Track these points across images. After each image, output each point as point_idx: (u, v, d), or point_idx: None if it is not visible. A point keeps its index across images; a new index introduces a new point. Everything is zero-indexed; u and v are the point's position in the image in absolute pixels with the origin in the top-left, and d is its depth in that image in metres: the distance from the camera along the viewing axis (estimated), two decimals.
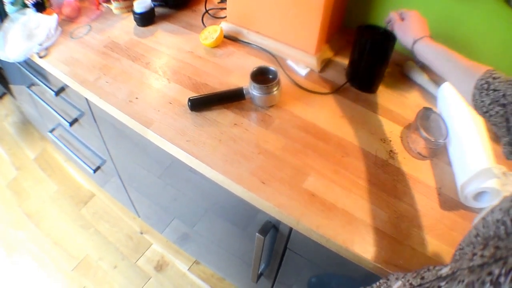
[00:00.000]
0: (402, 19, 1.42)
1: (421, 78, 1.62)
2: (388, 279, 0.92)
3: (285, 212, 1.21)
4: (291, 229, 1.37)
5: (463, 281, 0.57)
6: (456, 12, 1.52)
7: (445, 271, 0.66)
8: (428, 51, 1.27)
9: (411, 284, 0.76)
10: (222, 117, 1.47)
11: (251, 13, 1.71)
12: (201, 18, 1.96)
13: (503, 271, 0.50)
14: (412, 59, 1.69)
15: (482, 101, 1.02)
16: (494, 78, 1.00)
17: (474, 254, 0.60)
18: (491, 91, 0.99)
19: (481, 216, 0.77)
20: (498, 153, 1.17)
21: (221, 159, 1.34)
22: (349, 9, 1.79)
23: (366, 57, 1.51)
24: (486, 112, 1.02)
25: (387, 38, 1.47)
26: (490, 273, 0.52)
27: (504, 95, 0.95)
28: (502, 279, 0.50)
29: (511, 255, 0.53)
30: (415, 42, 1.31)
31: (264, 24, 1.72)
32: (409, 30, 1.35)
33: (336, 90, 1.60)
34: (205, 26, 1.89)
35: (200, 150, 1.36)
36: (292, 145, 1.39)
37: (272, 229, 1.45)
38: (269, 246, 1.60)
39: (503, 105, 0.95)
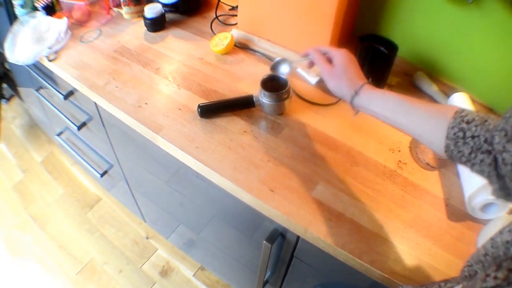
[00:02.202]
0: (329, 60, 1.23)
1: (430, 88, 1.62)
2: None
3: (293, 220, 1.21)
4: (298, 237, 1.37)
5: None
6: (466, 24, 1.51)
7: None
8: (375, 103, 1.11)
9: None
10: (232, 124, 1.48)
11: (262, 21, 1.72)
12: (210, 24, 1.97)
13: None
14: (422, 70, 1.69)
15: (460, 151, 0.89)
16: (468, 123, 0.88)
17: (488, 275, 0.59)
18: (469, 139, 0.87)
19: (489, 233, 0.76)
20: None
21: (230, 166, 1.34)
22: (360, 18, 1.79)
23: (367, 67, 1.50)
24: (467, 161, 0.89)
25: (388, 48, 1.46)
26: None
27: (486, 141, 0.84)
28: None
29: None
30: (356, 94, 1.14)
31: (274, 31, 1.72)
32: (345, 78, 1.17)
33: (336, 102, 1.60)
34: (214, 33, 1.89)
35: (209, 157, 1.36)
36: (301, 154, 1.39)
37: (279, 237, 1.45)
38: (276, 254, 1.59)
39: (488, 152, 0.83)
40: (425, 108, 1.01)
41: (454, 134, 0.89)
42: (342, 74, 1.17)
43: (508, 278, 0.55)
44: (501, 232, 0.68)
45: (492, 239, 0.70)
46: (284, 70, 1.46)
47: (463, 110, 0.92)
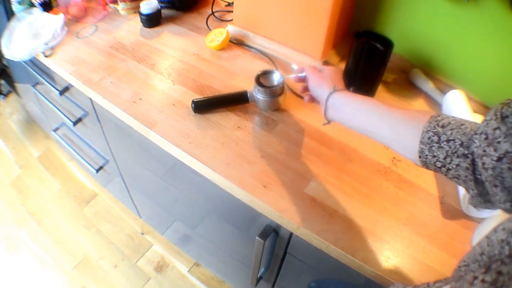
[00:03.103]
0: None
1: (426, 85, 1.62)
2: None
3: (285, 216, 1.21)
4: (291, 234, 1.37)
5: None
6: (463, 22, 1.51)
7: None
8: (351, 104, 1.11)
9: None
10: (226, 120, 1.47)
11: (258, 17, 1.71)
12: (205, 20, 1.97)
13: None
14: (418, 67, 1.69)
15: (435, 156, 0.88)
16: (443, 126, 0.86)
17: (475, 278, 0.59)
18: (443, 143, 0.85)
19: (483, 232, 0.76)
20: None
21: (224, 162, 1.34)
22: (356, 15, 1.79)
23: (362, 64, 1.50)
24: (442, 166, 0.87)
25: (384, 45, 1.45)
26: None
27: (462, 144, 0.82)
28: None
29: None
30: (331, 93, 1.16)
31: (270, 28, 1.72)
32: (327, 79, 1.21)
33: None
34: (210, 29, 1.89)
35: (202, 152, 1.36)
36: (295, 150, 1.39)
37: (272, 233, 1.44)
38: (269, 250, 1.59)
39: (465, 156, 0.81)
40: (401, 112, 0.99)
41: (429, 138, 0.88)
42: (326, 76, 1.22)
43: (496, 281, 0.55)
44: (495, 230, 0.67)
45: (488, 237, 0.69)
46: (271, 82, 1.47)
47: (438, 115, 0.91)
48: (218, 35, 1.76)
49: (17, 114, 3.80)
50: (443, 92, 1.57)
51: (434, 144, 0.87)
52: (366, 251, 1.14)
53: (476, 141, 0.78)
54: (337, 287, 1.54)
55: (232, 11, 1.89)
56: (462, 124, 0.85)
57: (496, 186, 0.75)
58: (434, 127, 0.88)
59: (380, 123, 1.02)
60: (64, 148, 3.21)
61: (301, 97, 1.57)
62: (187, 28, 1.91)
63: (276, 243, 1.52)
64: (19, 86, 3.21)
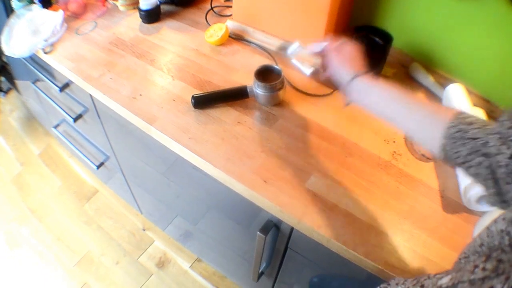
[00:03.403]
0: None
1: (426, 80, 1.62)
2: (389, 284, 0.91)
3: (286, 211, 1.21)
4: (292, 229, 1.37)
5: None
6: (462, 15, 1.50)
7: (445, 281, 0.65)
8: (374, 90, 1.10)
9: None
10: (226, 115, 1.48)
11: (257, 12, 1.71)
12: (204, 15, 1.97)
13: (505, 286, 0.50)
14: (418, 61, 1.69)
15: (457, 152, 0.88)
16: (468, 124, 0.87)
17: (476, 266, 0.59)
18: (467, 140, 0.85)
19: (485, 225, 0.76)
20: None
21: (224, 157, 1.34)
22: (355, 9, 1.78)
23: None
24: (464, 163, 0.88)
25: (383, 39, 1.45)
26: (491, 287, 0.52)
27: (485, 143, 0.82)
28: None
29: None
30: (353, 78, 1.13)
31: (269, 22, 1.71)
32: (348, 62, 1.18)
33: (331, 93, 1.60)
34: (209, 24, 1.89)
35: (202, 147, 1.36)
36: (295, 145, 1.39)
37: (273, 228, 1.44)
38: (270, 245, 1.59)
39: (486, 155, 0.81)
40: (424, 104, 1.00)
41: (453, 134, 0.88)
42: (347, 58, 1.19)
43: (497, 269, 0.55)
44: (495, 221, 0.67)
45: (487, 228, 0.69)
46: (291, 52, 1.46)
47: (463, 113, 0.91)
48: (218, 30, 1.76)
49: (17, 111, 3.79)
50: (443, 86, 1.57)
51: (458, 141, 0.87)
52: (367, 245, 1.15)
53: (491, 141, 0.79)
54: (339, 282, 1.54)
55: (231, 6, 1.89)
56: (485, 125, 0.85)
57: (508, 183, 0.76)
58: (459, 123, 0.88)
59: (404, 114, 1.03)
60: (64, 145, 3.20)
61: (302, 92, 1.57)
62: (186, 24, 1.91)
63: (277, 238, 1.52)
64: (19, 83, 3.21)
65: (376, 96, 1.09)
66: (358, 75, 1.13)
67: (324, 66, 1.31)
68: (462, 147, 0.86)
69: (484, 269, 0.57)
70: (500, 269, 0.54)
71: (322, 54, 1.30)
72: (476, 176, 0.87)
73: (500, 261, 0.56)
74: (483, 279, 0.55)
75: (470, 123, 0.87)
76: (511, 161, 0.73)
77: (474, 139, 0.84)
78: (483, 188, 0.87)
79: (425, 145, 1.00)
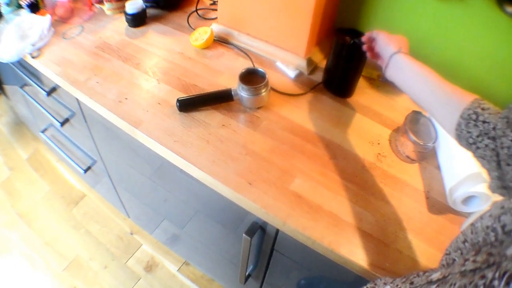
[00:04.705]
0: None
1: None
2: (375, 284, 0.92)
3: (271, 213, 1.21)
4: (277, 231, 1.37)
5: (454, 284, 0.57)
6: (448, 18, 1.51)
7: (435, 276, 0.66)
8: (408, 65, 1.18)
9: None
10: (210, 118, 1.48)
11: (242, 15, 1.72)
12: (186, 18, 1.99)
13: (497, 275, 0.50)
14: None
15: (469, 132, 0.95)
16: (483, 109, 0.94)
17: (466, 260, 0.59)
18: (480, 123, 0.93)
19: (470, 222, 0.77)
20: None
21: (209, 160, 1.34)
22: (340, 12, 1.79)
23: (342, 59, 1.51)
24: (473, 143, 0.95)
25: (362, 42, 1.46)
26: (483, 277, 0.52)
27: (494, 128, 0.89)
28: (496, 282, 0.49)
29: (504, 260, 0.52)
30: (396, 53, 1.22)
31: (254, 26, 1.72)
32: (394, 41, 1.26)
33: (310, 90, 1.63)
34: (192, 27, 1.90)
35: (187, 150, 1.36)
36: (279, 147, 1.39)
37: (259, 230, 1.45)
38: (257, 248, 1.60)
39: (493, 139, 0.89)
40: (451, 87, 1.07)
41: (469, 115, 0.95)
42: (395, 38, 1.27)
43: (487, 261, 0.56)
44: (481, 217, 0.68)
45: (472, 224, 0.70)
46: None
47: (482, 99, 0.98)
48: (203, 33, 1.76)
49: (5, 116, 3.78)
50: None
51: (471, 121, 0.94)
52: (352, 246, 1.15)
53: (499, 124, 0.86)
54: (327, 285, 1.55)
55: (216, 10, 1.89)
56: (498, 112, 0.92)
57: (509, 164, 0.81)
58: (476, 107, 0.95)
59: (431, 91, 1.10)
60: (52, 149, 3.20)
61: (287, 94, 1.58)
62: (171, 27, 1.91)
63: (263, 240, 1.52)
64: (7, 87, 3.20)
65: (410, 72, 1.17)
66: (401, 51, 1.22)
67: (369, 48, 1.37)
68: (474, 128, 0.94)
69: (475, 261, 0.58)
70: (491, 260, 0.55)
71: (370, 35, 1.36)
72: (482, 157, 0.94)
73: (490, 254, 0.57)
74: (474, 270, 0.56)
75: (486, 109, 0.94)
76: None
77: (485, 122, 0.91)
78: (487, 172, 0.94)
79: (442, 123, 1.06)
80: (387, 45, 1.27)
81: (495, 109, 0.94)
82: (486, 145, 0.90)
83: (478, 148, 0.93)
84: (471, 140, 0.95)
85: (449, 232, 1.21)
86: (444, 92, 1.06)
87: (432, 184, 1.34)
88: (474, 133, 0.93)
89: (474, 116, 0.94)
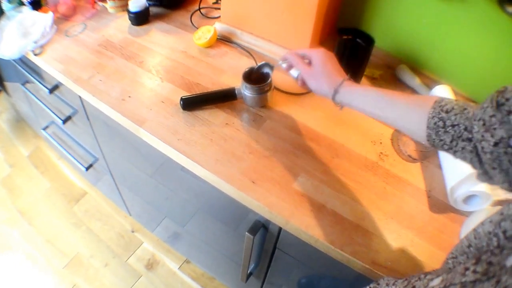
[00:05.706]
0: (308, 62, 1.26)
1: (413, 81, 1.63)
2: (378, 284, 0.92)
3: (274, 211, 1.22)
4: (280, 229, 1.38)
5: None
6: (449, 18, 1.51)
7: (436, 283, 0.66)
8: (356, 98, 1.13)
9: None
10: (214, 116, 1.48)
11: (245, 14, 1.72)
12: (189, 16, 1.98)
13: None
14: (404, 62, 1.70)
15: (441, 140, 0.92)
16: (447, 112, 0.90)
17: (467, 269, 0.59)
18: (449, 128, 0.89)
19: (471, 226, 0.77)
20: None
21: (212, 158, 1.34)
22: (342, 12, 1.80)
23: (346, 59, 1.49)
24: (449, 149, 0.92)
25: (365, 41, 1.46)
26: None
27: (466, 129, 0.86)
28: None
29: (504, 273, 0.52)
30: (336, 91, 1.16)
31: (257, 25, 1.72)
32: (324, 76, 1.19)
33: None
34: (195, 26, 1.90)
35: (191, 149, 1.37)
36: (282, 146, 1.40)
37: (261, 228, 1.45)
38: (259, 246, 1.60)
39: (469, 139, 0.85)
40: (404, 100, 1.03)
41: (435, 123, 0.92)
42: (320, 73, 1.20)
43: (487, 272, 0.56)
44: (483, 223, 0.68)
45: (474, 230, 0.70)
46: (267, 71, 1.48)
47: (442, 100, 0.94)
48: (206, 32, 1.76)
49: (6, 113, 3.78)
50: (430, 87, 1.58)
51: (440, 129, 0.91)
52: (355, 245, 1.16)
53: (475, 127, 0.82)
54: (328, 283, 1.55)
55: (219, 8, 1.89)
56: (465, 109, 0.89)
57: (494, 168, 0.80)
58: (439, 112, 0.92)
59: (387, 114, 1.06)
60: (53, 147, 3.19)
61: (291, 93, 1.58)
62: (175, 26, 1.91)
63: (265, 239, 1.53)
64: (8, 84, 3.19)
65: (361, 101, 1.12)
66: (338, 87, 1.16)
67: (303, 82, 1.31)
68: (445, 134, 0.90)
69: (475, 271, 0.57)
70: (491, 272, 0.55)
71: (299, 80, 1.31)
72: (463, 159, 0.91)
73: (490, 263, 0.57)
74: (474, 282, 0.56)
75: (450, 110, 0.91)
76: (495, 148, 0.76)
77: (454, 125, 0.88)
78: (472, 168, 0.91)
79: (414, 138, 1.07)
80: (321, 87, 1.21)
81: (458, 105, 0.91)
82: (463, 148, 0.88)
83: (456, 151, 0.91)
84: (446, 147, 0.93)
85: (450, 231, 1.21)
86: (400, 108, 1.04)
87: (434, 183, 1.34)
88: (447, 139, 0.91)
89: (441, 123, 0.91)
